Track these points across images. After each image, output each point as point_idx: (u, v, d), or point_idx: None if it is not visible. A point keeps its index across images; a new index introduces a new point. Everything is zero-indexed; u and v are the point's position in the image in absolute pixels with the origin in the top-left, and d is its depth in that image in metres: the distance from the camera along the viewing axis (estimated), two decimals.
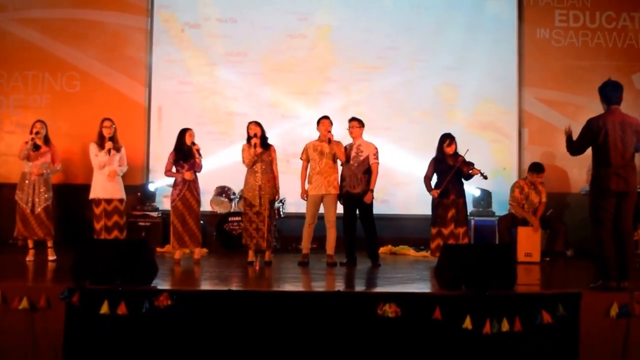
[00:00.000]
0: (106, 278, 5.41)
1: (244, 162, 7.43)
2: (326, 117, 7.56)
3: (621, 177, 5.72)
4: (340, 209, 7.61)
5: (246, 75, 9.81)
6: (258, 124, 7.45)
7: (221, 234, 8.77)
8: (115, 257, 5.53)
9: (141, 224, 8.92)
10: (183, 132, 7.58)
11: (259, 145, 7.33)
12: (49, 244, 7.47)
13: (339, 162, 7.61)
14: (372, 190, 7.47)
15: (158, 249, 8.61)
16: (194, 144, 7.52)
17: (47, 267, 7.00)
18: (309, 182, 7.48)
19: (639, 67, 9.77)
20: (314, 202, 7.43)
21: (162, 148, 9.55)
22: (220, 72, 9.82)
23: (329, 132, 7.42)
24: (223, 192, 9.03)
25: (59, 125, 9.19)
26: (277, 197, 7.53)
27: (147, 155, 9.73)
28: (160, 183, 9.31)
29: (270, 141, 7.59)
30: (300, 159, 7.63)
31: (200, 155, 7.56)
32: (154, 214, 9.06)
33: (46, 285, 5.77)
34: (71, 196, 8.68)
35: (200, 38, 9.82)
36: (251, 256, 7.41)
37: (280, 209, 8.91)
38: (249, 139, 7.44)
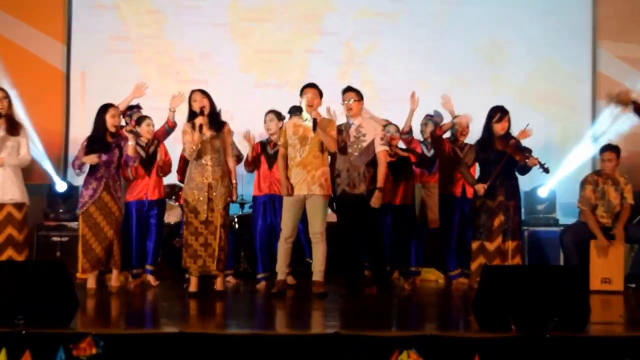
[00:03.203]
0: (4, 317, 5.30)
1: (183, 150, 7.45)
2: (312, 86, 7.49)
3: None
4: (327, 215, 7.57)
5: (205, 28, 9.89)
6: (204, 94, 7.35)
7: (169, 252, 8.71)
8: (17, 287, 5.42)
9: (55, 239, 8.86)
10: (103, 112, 7.53)
11: (207, 127, 7.24)
12: None
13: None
14: (380, 190, 7.42)
15: (79, 275, 8.15)
16: (121, 128, 7.54)
17: None
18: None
19: None
20: (292, 206, 7.42)
21: (85, 130, 9.40)
22: (169, 23, 9.91)
23: (312, 107, 7.35)
24: (173, 193, 8.97)
25: None
26: (233, 198, 7.48)
27: (65, 140, 9.83)
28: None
29: (231, 118, 7.62)
30: (277, 143, 7.71)
31: (136, 136, 7.50)
32: (74, 224, 8.89)
33: None
34: None
35: None
36: (194, 285, 7.33)
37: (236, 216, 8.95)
38: (192, 116, 7.31)
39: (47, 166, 9.49)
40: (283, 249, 7.43)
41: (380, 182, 7.41)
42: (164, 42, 9.92)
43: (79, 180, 9.16)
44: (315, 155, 7.38)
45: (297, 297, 7.51)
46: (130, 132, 7.45)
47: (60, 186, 9.36)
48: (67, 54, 9.82)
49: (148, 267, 8.06)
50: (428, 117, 8.49)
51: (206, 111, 7.22)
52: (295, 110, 7.75)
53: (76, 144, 9.44)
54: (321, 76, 8.97)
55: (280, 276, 7.48)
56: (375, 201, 7.38)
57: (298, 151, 7.40)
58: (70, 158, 9.48)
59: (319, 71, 9.48)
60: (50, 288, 5.48)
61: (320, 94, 7.44)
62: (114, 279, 7.56)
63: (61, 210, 9.18)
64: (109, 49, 9.84)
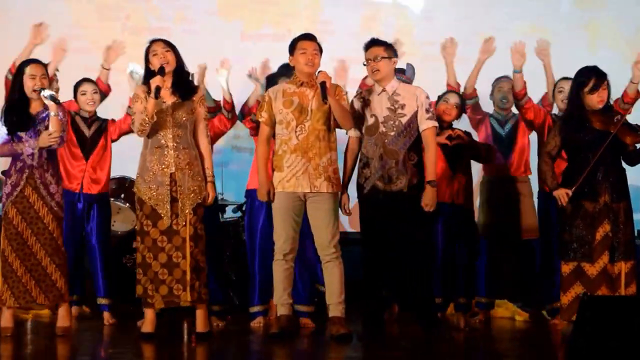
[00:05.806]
0: None
1: (132, 124, 7.50)
2: (308, 37, 7.52)
3: None
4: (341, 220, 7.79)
5: None
6: (169, 46, 7.37)
7: (119, 274, 8.77)
8: None
9: None
10: (21, 71, 7.56)
11: (168, 91, 7.28)
12: None
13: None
14: (433, 184, 7.51)
15: None
16: (43, 90, 7.43)
17: None
18: (275, 168, 7.54)
19: None
20: (287, 210, 7.50)
21: None
22: None
23: (311, 64, 7.41)
24: (121, 189, 9.07)
25: None
26: (207, 201, 7.50)
27: None
28: None
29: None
30: (256, 119, 7.74)
31: (57, 104, 7.39)
32: None
33: None
34: None
35: None
36: (150, 322, 7.33)
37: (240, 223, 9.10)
38: (149, 75, 7.26)
39: None
40: (281, 270, 7.52)
41: (431, 172, 7.50)
42: None
43: None
44: (319, 135, 7.47)
45: (307, 340, 7.66)
46: (49, 97, 7.36)
47: None
48: None
49: (102, 300, 8.32)
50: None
51: (168, 69, 7.22)
52: (285, 72, 7.89)
53: None
54: (337, 24, 9.72)
55: (282, 310, 7.55)
56: (427, 200, 7.47)
57: (293, 130, 7.46)
58: None
59: (334, 16, 9.87)
60: None
61: (321, 51, 7.47)
62: (62, 317, 7.55)
63: None
64: None
